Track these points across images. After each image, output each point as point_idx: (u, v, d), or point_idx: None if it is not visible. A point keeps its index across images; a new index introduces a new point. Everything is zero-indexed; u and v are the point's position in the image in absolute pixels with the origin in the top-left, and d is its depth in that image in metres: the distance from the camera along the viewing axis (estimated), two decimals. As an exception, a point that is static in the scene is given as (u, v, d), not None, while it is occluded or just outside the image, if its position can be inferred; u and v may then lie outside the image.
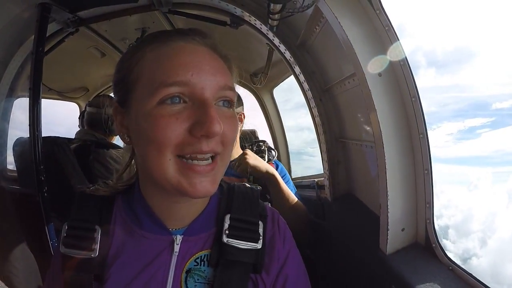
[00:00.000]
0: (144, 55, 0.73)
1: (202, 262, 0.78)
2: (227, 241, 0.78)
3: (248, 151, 1.95)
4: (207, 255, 0.79)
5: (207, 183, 0.69)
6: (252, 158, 1.92)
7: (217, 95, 0.70)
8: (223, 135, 0.70)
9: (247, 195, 0.89)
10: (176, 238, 0.78)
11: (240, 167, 1.91)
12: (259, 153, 2.16)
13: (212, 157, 0.71)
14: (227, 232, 0.79)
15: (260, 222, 0.84)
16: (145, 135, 0.68)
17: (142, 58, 0.73)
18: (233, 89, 0.75)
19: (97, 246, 0.75)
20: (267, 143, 2.29)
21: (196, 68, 0.68)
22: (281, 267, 0.83)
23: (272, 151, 2.26)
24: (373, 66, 1.36)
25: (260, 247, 0.80)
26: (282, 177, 2.04)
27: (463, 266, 1.26)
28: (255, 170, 1.90)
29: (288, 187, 2.03)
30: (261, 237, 0.81)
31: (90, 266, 0.74)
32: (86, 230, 0.77)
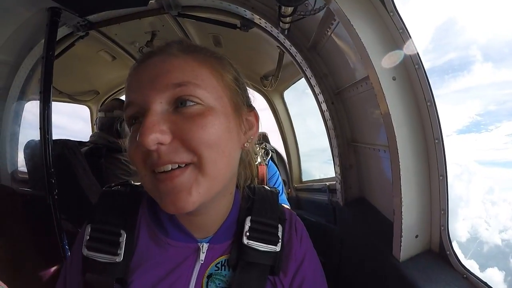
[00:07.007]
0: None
1: (223, 267, 0.78)
2: (247, 242, 0.78)
3: None
4: (227, 259, 0.78)
5: (181, 195, 0.62)
6: None
7: (171, 98, 0.63)
8: (186, 139, 0.61)
9: (267, 198, 0.89)
10: (202, 247, 0.77)
11: None
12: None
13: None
14: (247, 234, 0.78)
15: (279, 226, 0.84)
16: None
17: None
18: (193, 84, 0.64)
19: (122, 251, 0.73)
20: (264, 146, 2.17)
21: (147, 81, 0.65)
22: (298, 267, 0.83)
23: (266, 154, 2.16)
24: (387, 69, 1.34)
25: (278, 250, 0.80)
26: (271, 176, 2.01)
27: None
28: None
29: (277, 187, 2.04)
30: (280, 240, 0.81)
31: (114, 270, 0.73)
32: (111, 234, 0.75)
